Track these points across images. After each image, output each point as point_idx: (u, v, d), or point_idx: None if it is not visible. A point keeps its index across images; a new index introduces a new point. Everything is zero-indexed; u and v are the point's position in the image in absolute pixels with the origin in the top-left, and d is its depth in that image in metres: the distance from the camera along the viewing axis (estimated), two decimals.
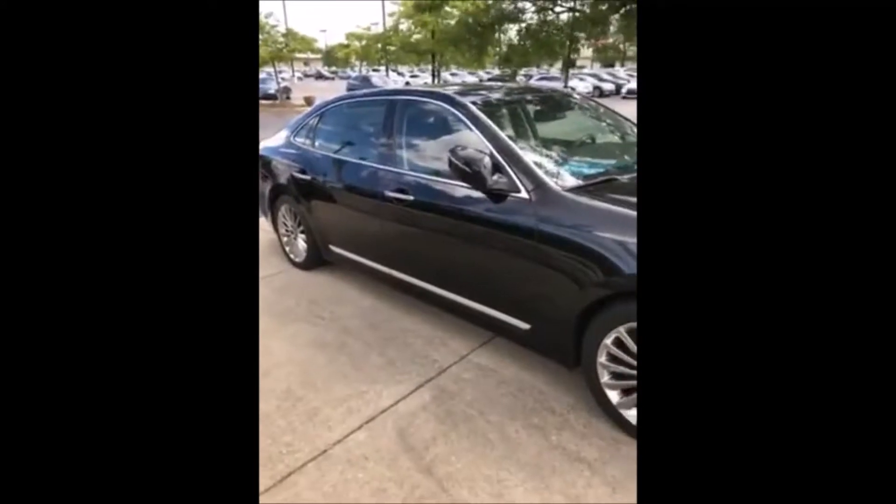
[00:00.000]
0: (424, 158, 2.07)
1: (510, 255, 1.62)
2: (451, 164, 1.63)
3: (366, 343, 2.08)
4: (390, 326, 2.20)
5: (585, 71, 27.25)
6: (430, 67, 19.85)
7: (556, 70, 23.55)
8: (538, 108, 2.39)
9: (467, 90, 2.19)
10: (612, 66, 31.66)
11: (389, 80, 20.87)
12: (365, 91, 2.60)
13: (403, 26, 17.79)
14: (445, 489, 1.31)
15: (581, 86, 20.24)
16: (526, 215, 1.56)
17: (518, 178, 1.62)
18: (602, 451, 1.42)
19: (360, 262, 2.41)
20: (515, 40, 6.96)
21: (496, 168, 1.65)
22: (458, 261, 1.87)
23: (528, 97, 2.38)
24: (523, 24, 6.74)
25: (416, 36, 17.86)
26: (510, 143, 1.72)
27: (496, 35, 7.29)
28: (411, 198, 1.96)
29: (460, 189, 1.76)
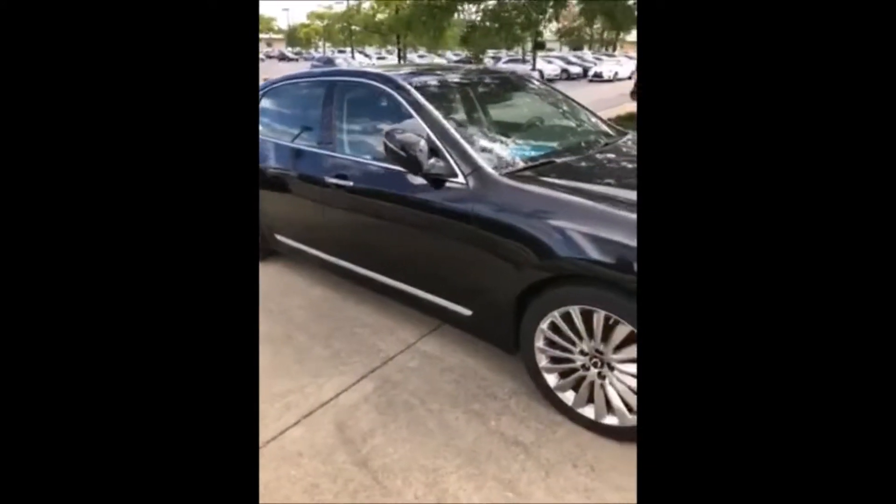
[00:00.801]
0: (364, 142, 2.00)
1: (450, 240, 1.59)
2: (386, 147, 1.57)
3: (312, 335, 2.02)
4: (338, 317, 2.15)
5: (553, 54, 27.27)
6: (395, 49, 19.36)
7: (524, 53, 23.46)
8: (490, 91, 2.34)
9: (413, 72, 2.11)
10: (579, 49, 31.78)
11: (354, 62, 20.22)
12: (305, 72, 2.48)
13: (366, 5, 17.22)
14: (379, 481, 1.29)
15: (549, 68, 20.27)
16: (463, 200, 1.53)
17: (455, 162, 1.58)
18: (539, 435, 1.43)
19: (307, 252, 2.33)
20: (477, 21, 6.84)
21: (433, 152, 1.60)
22: (401, 248, 1.83)
23: (481, 80, 2.32)
24: (482, 5, 6.64)
25: (379, 15, 17.32)
26: (448, 126, 1.67)
27: (454, 15, 7.14)
28: (351, 184, 1.89)
29: (399, 174, 1.70)
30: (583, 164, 1.72)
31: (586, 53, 27.41)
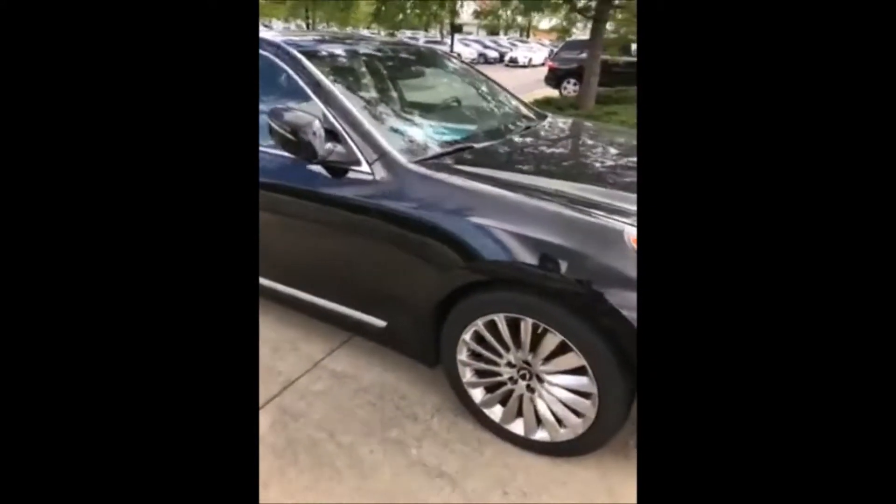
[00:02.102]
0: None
1: (355, 241, 1.34)
2: (271, 130, 1.26)
3: None
4: None
5: (471, 37, 27.27)
6: (303, 23, 17.92)
7: (443, 36, 23.07)
8: (403, 66, 2.06)
9: (314, 39, 1.77)
10: (495, 34, 32.22)
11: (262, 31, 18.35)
12: None
13: None
14: None
15: (466, 51, 20.20)
16: (368, 193, 1.28)
17: (357, 147, 1.31)
18: (465, 460, 1.27)
19: None
20: None
21: (331, 135, 1.33)
22: (297, 251, 1.53)
23: (394, 54, 2.03)
24: None
25: None
26: (348, 104, 1.39)
27: None
28: None
29: (291, 162, 1.40)
30: (503, 149, 1.55)
31: (502, 39, 27.82)
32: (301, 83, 1.44)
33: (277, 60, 1.51)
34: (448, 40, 20.94)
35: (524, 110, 2.07)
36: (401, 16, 6.92)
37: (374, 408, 1.45)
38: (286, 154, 1.38)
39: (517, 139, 1.67)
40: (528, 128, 1.81)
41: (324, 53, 1.64)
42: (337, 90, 1.42)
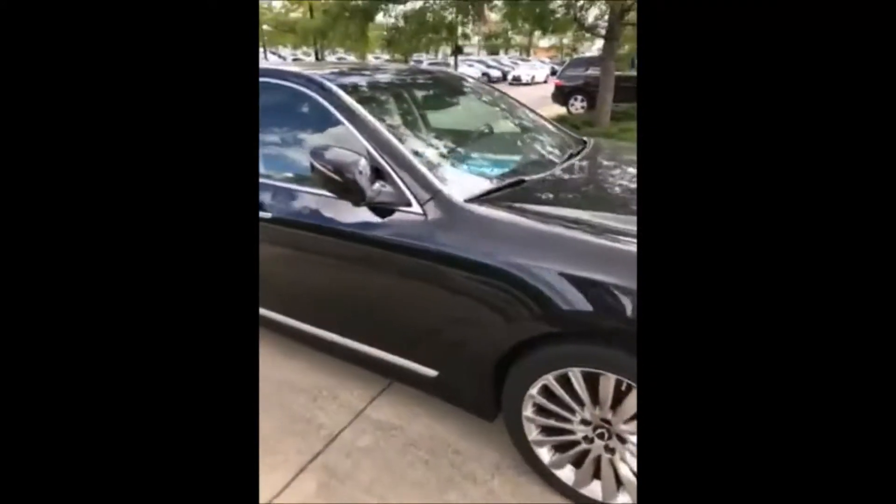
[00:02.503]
0: (284, 161, 1.57)
1: (405, 285, 1.24)
2: (314, 170, 1.18)
3: None
4: (263, 380, 1.69)
5: (473, 58, 27.70)
6: (311, 50, 18.29)
7: (444, 57, 23.49)
8: (427, 93, 1.99)
9: (339, 71, 1.71)
10: (496, 53, 32.71)
11: (267, 62, 18.78)
12: None
13: (277, 3, 16.05)
14: None
15: (470, 72, 20.50)
16: (421, 234, 1.18)
17: (407, 187, 1.23)
18: None
19: None
20: (401, 22, 6.50)
21: (377, 174, 1.24)
22: (336, 292, 1.44)
23: (415, 80, 1.97)
24: (407, 6, 6.34)
25: (292, 14, 16.25)
26: (394, 140, 1.31)
27: (379, 15, 6.74)
28: (269, 214, 1.46)
29: (332, 201, 1.31)
30: (556, 181, 1.46)
31: (503, 58, 28.22)
32: (342, 118, 1.37)
33: (314, 94, 1.44)
34: (450, 61, 21.26)
35: (563, 135, 1.98)
36: (413, 42, 6.99)
37: (427, 466, 1.32)
38: (326, 193, 1.30)
39: (567, 168, 1.58)
40: (574, 154, 1.72)
41: (358, 85, 1.58)
42: (380, 125, 1.34)
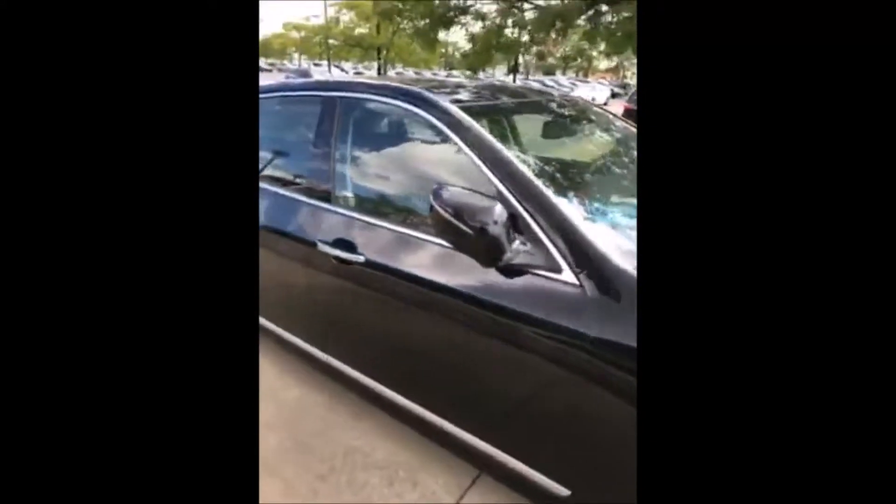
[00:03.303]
0: (384, 195, 1.33)
1: (543, 372, 0.93)
2: (435, 216, 0.91)
3: (288, 485, 1.29)
4: (329, 444, 1.43)
5: (532, 78, 27.51)
6: (373, 64, 18.81)
7: (500, 75, 23.43)
8: (550, 118, 1.64)
9: (442, 87, 1.46)
10: (552, 73, 32.30)
11: (331, 75, 19.56)
12: (281, 83, 1.78)
13: (345, 18, 16.64)
14: None
15: None
16: (575, 313, 0.88)
17: (556, 247, 0.92)
18: None
19: (278, 334, 1.61)
20: (472, 36, 6.42)
21: (514, 226, 0.95)
22: (442, 364, 1.15)
23: (521, 103, 1.67)
24: (486, 22, 6.24)
25: (359, 29, 16.80)
26: (537, 183, 1.01)
27: (457, 28, 6.70)
28: (361, 258, 1.21)
29: (450, 252, 1.04)
30: None
31: (560, 78, 27.80)
32: (466, 149, 1.09)
33: (426, 115, 1.18)
34: (508, 80, 21.18)
35: None
36: (481, 60, 6.86)
37: None
38: (441, 242, 1.03)
39: None
40: None
41: (475, 108, 1.31)
42: (517, 160, 1.06)
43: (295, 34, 23.08)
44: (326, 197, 1.34)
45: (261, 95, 1.65)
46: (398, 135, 1.39)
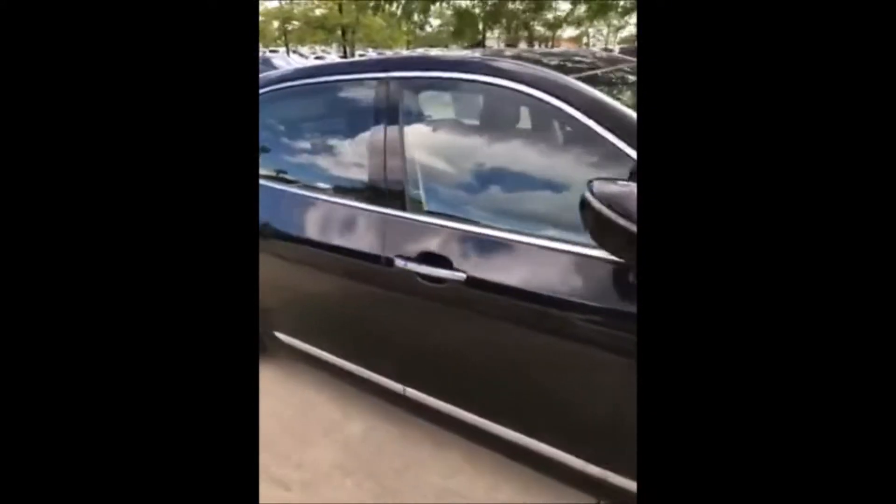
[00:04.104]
0: (489, 196, 1.11)
1: None
2: (593, 216, 0.72)
3: None
4: (416, 486, 1.24)
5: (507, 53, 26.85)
6: (328, 49, 17.96)
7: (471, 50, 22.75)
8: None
9: (554, 63, 1.16)
10: (514, 46, 31.62)
11: (292, 60, 18.54)
12: (325, 63, 1.50)
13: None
14: None
15: None
16: None
17: None
18: None
19: (339, 366, 1.39)
20: (458, 11, 6.09)
21: None
22: (559, 391, 0.97)
23: (610, 71, 1.26)
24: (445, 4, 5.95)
25: (318, 10, 15.92)
26: None
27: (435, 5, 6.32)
28: (461, 275, 1.00)
29: (605, 265, 0.84)
30: None
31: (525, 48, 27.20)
32: (608, 135, 0.88)
33: (544, 97, 0.94)
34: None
35: None
36: (454, 37, 6.53)
37: None
38: (588, 251, 0.83)
39: None
40: None
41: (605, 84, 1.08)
42: None
43: None
44: (399, 202, 1.11)
45: (295, 83, 1.38)
46: (497, 121, 1.16)
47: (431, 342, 1.15)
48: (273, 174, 1.43)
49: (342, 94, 1.33)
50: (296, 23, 16.24)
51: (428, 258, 1.04)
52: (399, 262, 1.08)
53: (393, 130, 1.13)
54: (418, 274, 1.05)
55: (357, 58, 1.46)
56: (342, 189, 1.27)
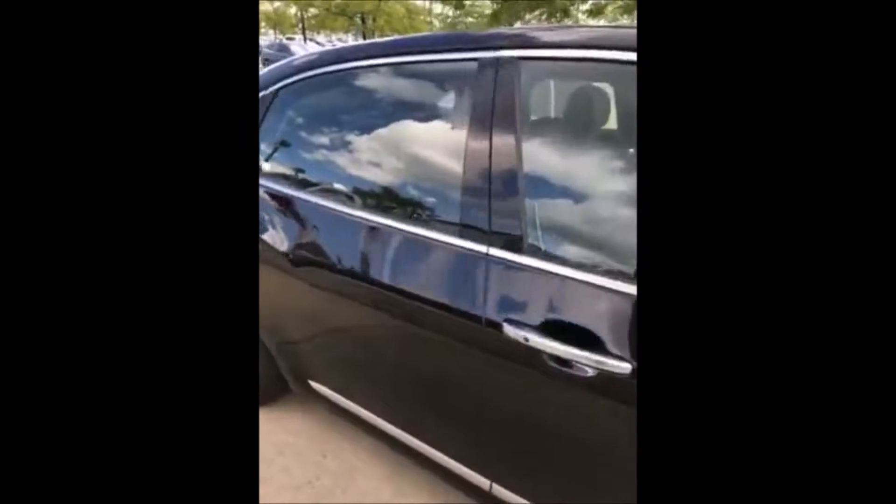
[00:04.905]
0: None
1: None
2: None
3: None
4: None
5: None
6: (345, 37, 17.54)
7: None
8: None
9: None
10: None
11: (309, 47, 18.20)
12: (383, 42, 1.14)
13: None
14: None
15: None
16: None
17: None
18: None
19: (396, 437, 1.05)
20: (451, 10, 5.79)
21: None
22: None
23: None
24: None
25: None
26: None
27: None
28: (626, 366, 0.64)
29: None
30: None
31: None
32: None
33: None
34: None
35: None
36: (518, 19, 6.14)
37: None
38: None
39: None
40: None
41: None
42: None
43: (268, 6, 21.37)
44: (510, 240, 0.76)
45: (354, 65, 1.03)
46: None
47: (550, 442, 0.80)
48: (312, 185, 1.09)
49: (407, 83, 0.98)
50: (313, 10, 15.75)
51: (561, 331, 0.69)
52: (512, 331, 0.73)
53: (503, 135, 0.77)
54: (548, 354, 0.70)
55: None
56: (415, 211, 0.92)
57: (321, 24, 15.96)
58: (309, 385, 1.23)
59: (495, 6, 6.21)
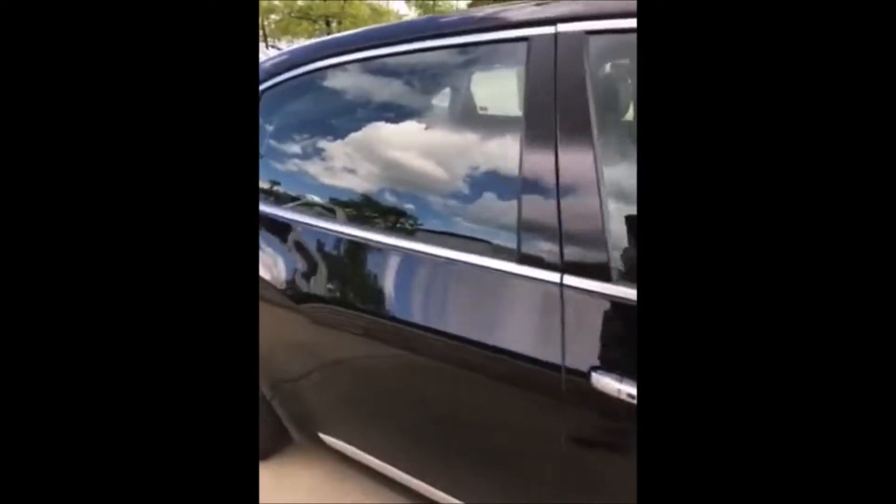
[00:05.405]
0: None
1: None
2: None
3: None
4: None
5: None
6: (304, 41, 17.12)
7: None
8: None
9: None
10: None
11: (270, 54, 17.62)
12: (386, 27, 0.96)
13: None
14: None
15: None
16: None
17: None
18: None
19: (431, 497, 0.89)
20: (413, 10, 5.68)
21: None
22: None
23: None
24: None
25: (300, 1, 15.11)
26: None
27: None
28: None
29: None
30: None
31: None
32: None
33: None
34: None
35: None
36: None
37: None
38: None
39: None
40: None
41: None
42: None
43: None
44: (595, 270, 0.62)
45: (320, 65, 0.87)
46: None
47: None
48: (327, 209, 0.92)
49: (438, 74, 0.82)
50: (274, 16, 15.21)
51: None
52: (602, 379, 0.58)
53: (574, 145, 0.62)
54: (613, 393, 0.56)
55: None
56: (467, 234, 0.76)
57: (284, 30, 15.44)
58: (317, 436, 1.05)
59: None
